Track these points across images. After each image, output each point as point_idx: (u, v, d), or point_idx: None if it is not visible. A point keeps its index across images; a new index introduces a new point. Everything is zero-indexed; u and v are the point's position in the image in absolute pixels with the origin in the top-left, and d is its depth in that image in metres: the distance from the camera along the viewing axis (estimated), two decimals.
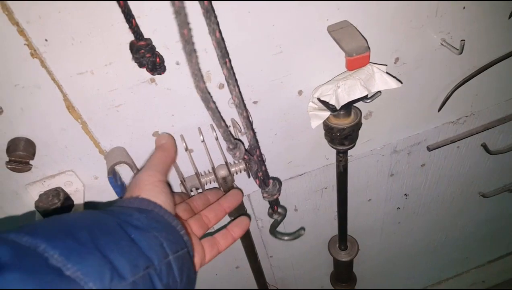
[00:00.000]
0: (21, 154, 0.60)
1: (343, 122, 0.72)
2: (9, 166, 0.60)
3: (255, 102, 0.70)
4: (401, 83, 0.69)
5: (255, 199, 0.93)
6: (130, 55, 0.56)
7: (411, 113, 0.87)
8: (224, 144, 0.65)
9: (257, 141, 0.70)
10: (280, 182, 0.80)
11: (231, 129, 0.71)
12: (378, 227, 1.22)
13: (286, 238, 0.94)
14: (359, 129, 0.75)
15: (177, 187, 0.77)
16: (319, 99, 0.69)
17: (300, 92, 0.72)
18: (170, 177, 0.68)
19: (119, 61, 0.57)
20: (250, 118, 0.67)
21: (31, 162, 0.62)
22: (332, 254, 1.14)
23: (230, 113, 0.70)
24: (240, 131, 0.71)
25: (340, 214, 0.99)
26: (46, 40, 0.52)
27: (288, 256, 1.18)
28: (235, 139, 0.64)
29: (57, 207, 0.67)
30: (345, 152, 0.80)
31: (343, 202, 0.95)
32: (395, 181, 1.06)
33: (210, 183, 0.78)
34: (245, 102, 0.70)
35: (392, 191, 1.09)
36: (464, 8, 0.71)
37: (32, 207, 0.67)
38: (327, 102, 0.67)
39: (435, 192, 1.16)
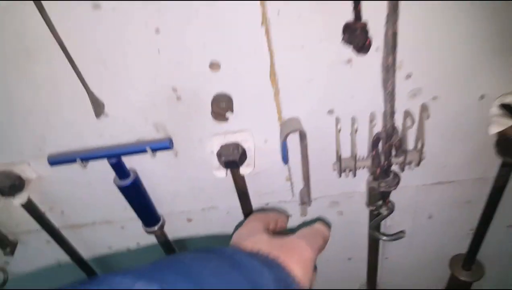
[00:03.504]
0: (223, 107, 0.71)
1: None
2: (212, 114, 0.70)
3: (434, 98, 0.72)
4: None
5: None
6: (338, 37, 0.62)
7: None
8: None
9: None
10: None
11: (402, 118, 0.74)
12: None
13: (384, 238, 0.91)
14: None
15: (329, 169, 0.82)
16: (503, 105, 0.68)
17: (482, 97, 0.72)
18: None
19: (327, 41, 0.63)
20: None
21: (227, 115, 0.72)
22: (452, 270, 1.10)
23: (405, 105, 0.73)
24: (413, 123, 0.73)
25: (477, 232, 0.96)
26: (278, 11, 0.60)
27: (404, 261, 1.17)
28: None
29: (235, 159, 0.77)
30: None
31: (486, 221, 0.92)
32: None
33: (363, 168, 0.82)
34: (425, 96, 0.72)
35: None
36: None
37: (209, 154, 0.78)
38: None
39: None
